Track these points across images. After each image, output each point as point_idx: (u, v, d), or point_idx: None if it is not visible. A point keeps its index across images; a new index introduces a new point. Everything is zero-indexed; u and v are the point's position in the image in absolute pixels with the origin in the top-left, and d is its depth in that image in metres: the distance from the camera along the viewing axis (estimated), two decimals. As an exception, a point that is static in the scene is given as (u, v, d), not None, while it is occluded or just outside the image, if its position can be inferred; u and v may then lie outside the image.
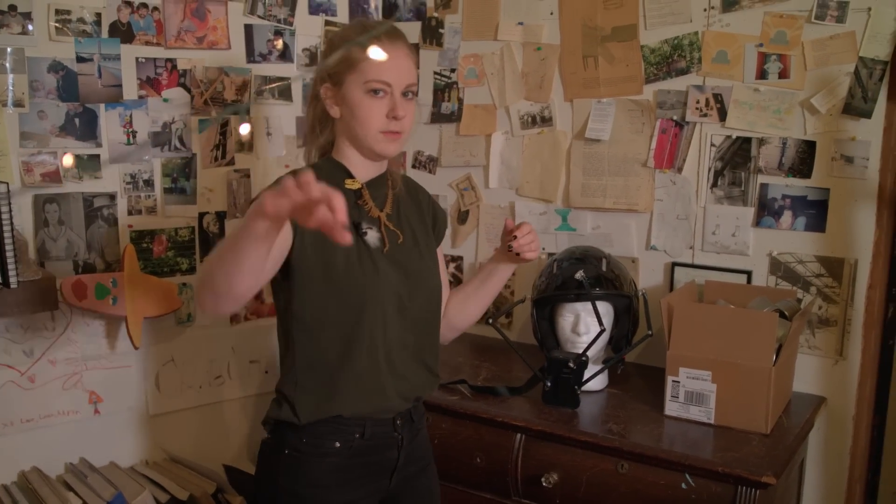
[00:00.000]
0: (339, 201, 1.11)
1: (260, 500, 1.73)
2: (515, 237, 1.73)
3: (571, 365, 2.04)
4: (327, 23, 2.63)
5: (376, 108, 1.60)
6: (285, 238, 1.53)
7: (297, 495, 1.64)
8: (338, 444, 1.65)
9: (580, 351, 2.08)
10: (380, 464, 1.71)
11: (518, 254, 1.74)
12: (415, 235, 1.75)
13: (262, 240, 1.25)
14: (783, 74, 2.15)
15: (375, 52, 0.97)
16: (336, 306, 1.61)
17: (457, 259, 2.74)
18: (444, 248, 2.74)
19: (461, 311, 1.89)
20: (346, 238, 1.13)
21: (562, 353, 2.09)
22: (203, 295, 1.42)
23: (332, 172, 1.65)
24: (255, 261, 1.31)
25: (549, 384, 2.08)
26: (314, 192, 1.11)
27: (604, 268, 2.16)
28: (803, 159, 2.15)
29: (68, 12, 2.14)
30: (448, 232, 2.71)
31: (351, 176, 1.67)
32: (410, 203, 1.79)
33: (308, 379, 1.64)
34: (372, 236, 1.65)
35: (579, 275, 2.11)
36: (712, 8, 2.22)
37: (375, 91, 1.59)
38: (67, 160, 0.86)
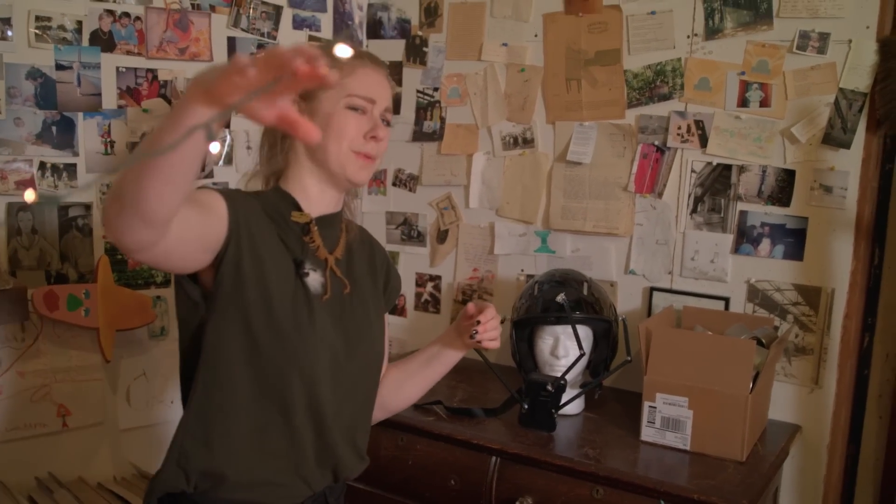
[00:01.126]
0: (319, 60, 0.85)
1: None
2: (479, 322, 1.57)
3: (550, 388, 2.03)
4: (311, 38, 2.62)
5: (354, 123, 1.45)
6: (219, 213, 1.31)
7: None
8: None
9: (558, 374, 2.07)
10: None
11: (479, 341, 1.59)
12: (362, 292, 1.56)
13: (192, 136, 0.92)
14: (764, 103, 2.17)
15: (342, 50, 0.85)
16: (255, 349, 1.38)
17: (435, 279, 2.73)
18: (422, 268, 2.73)
19: (397, 392, 1.69)
20: (331, 77, 0.86)
21: (540, 376, 2.08)
22: (109, 205, 1.07)
23: (278, 204, 1.45)
24: (179, 163, 1.00)
25: (526, 406, 2.06)
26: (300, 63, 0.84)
27: (585, 291, 2.16)
28: (782, 188, 2.17)
29: (49, 19, 2.12)
30: (427, 251, 2.72)
31: (299, 208, 1.46)
32: (364, 256, 1.61)
33: (202, 429, 1.40)
34: (314, 279, 1.44)
35: (560, 298, 2.11)
36: (695, 35, 2.24)
37: (355, 108, 1.45)
38: (29, 196, 0.74)
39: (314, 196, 1.48)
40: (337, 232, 1.54)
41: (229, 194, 1.36)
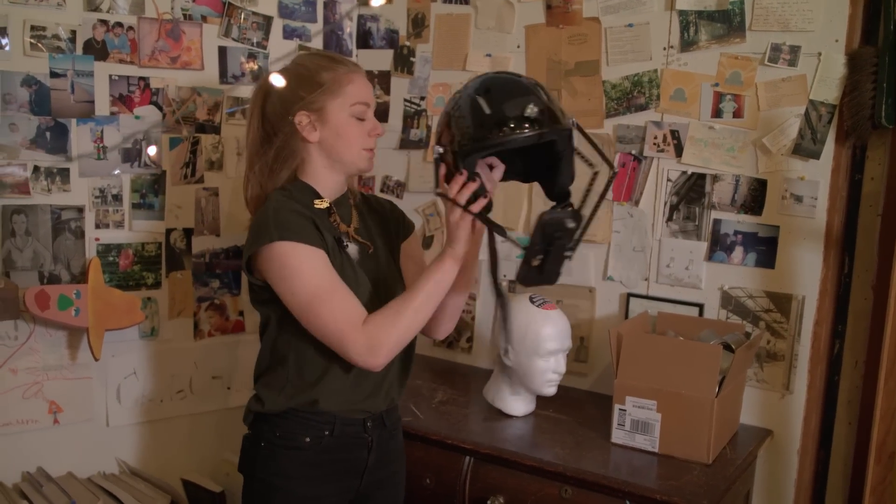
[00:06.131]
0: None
1: (244, 490, 1.85)
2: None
3: (571, 224, 1.67)
4: (301, 47, 2.69)
5: (361, 128, 1.77)
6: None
7: (271, 485, 1.77)
8: (308, 440, 1.75)
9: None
10: (349, 463, 1.81)
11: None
12: (382, 246, 1.89)
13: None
14: (737, 114, 2.22)
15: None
16: None
17: (421, 283, 2.78)
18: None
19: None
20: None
21: (556, 213, 1.68)
22: (397, 343, 1.67)
23: (302, 195, 1.78)
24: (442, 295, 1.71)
25: (540, 258, 1.68)
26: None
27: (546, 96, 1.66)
28: (755, 197, 2.21)
29: (44, 28, 2.19)
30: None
31: (319, 196, 1.80)
32: (374, 215, 1.93)
33: (298, 376, 1.75)
34: (352, 248, 1.81)
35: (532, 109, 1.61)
36: (671, 47, 2.29)
37: (360, 112, 1.76)
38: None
39: (327, 186, 1.81)
40: (348, 208, 1.86)
41: (308, 237, 1.67)
